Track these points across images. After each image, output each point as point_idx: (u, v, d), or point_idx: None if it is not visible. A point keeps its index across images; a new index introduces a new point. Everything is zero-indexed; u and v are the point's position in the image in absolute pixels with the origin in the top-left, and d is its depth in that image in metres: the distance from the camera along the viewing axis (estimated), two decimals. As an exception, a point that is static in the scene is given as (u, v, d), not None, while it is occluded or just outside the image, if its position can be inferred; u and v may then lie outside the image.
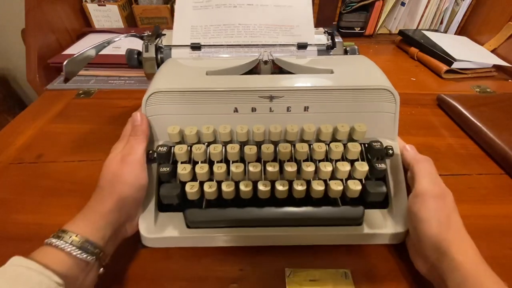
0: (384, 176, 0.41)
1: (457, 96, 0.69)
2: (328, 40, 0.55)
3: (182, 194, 0.39)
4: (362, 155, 0.42)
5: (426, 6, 1.02)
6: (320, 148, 0.39)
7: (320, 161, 0.40)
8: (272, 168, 0.39)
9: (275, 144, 0.41)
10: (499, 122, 0.59)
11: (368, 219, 0.41)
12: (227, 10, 0.52)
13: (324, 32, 0.57)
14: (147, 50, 0.52)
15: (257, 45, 0.53)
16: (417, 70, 0.89)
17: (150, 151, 0.41)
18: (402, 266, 0.40)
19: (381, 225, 0.40)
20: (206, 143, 0.41)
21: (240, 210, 0.39)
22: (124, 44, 0.53)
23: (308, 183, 0.39)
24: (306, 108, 0.41)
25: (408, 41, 0.98)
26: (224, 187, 0.38)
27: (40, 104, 0.72)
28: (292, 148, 0.40)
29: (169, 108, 0.41)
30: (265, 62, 0.47)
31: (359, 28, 1.07)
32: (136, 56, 0.54)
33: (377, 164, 0.39)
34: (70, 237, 0.31)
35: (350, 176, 0.40)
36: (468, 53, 0.86)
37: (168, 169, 0.39)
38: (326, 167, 0.39)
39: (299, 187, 0.38)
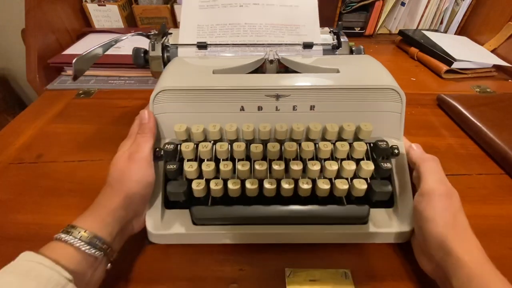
0: (389, 175, 0.41)
1: (457, 96, 0.69)
2: (333, 40, 0.55)
3: (188, 192, 0.39)
4: (367, 154, 0.42)
5: (426, 6, 1.02)
6: (326, 147, 0.39)
7: (325, 160, 0.40)
8: (278, 166, 0.39)
9: (281, 142, 0.41)
10: (499, 122, 0.60)
11: (373, 218, 0.41)
12: (233, 10, 0.53)
13: (330, 32, 0.57)
14: (153, 49, 0.53)
15: (263, 44, 0.53)
16: (417, 70, 0.89)
17: (157, 149, 0.41)
18: (403, 266, 0.40)
19: (386, 224, 0.40)
20: (212, 141, 0.41)
21: (246, 207, 0.40)
22: (124, 44, 0.53)
23: (314, 181, 0.39)
24: (312, 107, 0.41)
25: (408, 41, 0.99)
26: (230, 184, 0.39)
27: (40, 104, 0.72)
28: (298, 147, 0.41)
29: (176, 106, 0.41)
30: (271, 61, 0.47)
31: (359, 28, 1.07)
32: (142, 54, 0.55)
33: (382, 164, 0.39)
34: (79, 232, 0.31)
35: (356, 175, 0.40)
36: (468, 53, 0.86)
37: (174, 166, 0.39)
38: (332, 166, 0.39)
39: (305, 185, 0.38)
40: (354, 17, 1.05)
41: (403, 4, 1.04)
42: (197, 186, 0.38)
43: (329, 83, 0.41)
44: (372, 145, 0.43)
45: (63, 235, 0.31)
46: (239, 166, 0.39)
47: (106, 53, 0.51)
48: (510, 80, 0.83)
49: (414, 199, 0.38)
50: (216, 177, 0.40)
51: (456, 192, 0.36)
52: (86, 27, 0.98)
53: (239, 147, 0.39)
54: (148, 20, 1.01)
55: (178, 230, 0.40)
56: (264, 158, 0.40)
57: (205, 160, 0.40)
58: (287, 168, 0.40)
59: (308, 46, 0.53)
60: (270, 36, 0.53)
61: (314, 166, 0.39)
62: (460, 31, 1.05)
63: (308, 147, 0.39)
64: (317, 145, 0.41)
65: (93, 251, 0.31)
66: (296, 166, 0.39)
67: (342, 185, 0.38)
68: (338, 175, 0.40)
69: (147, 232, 0.40)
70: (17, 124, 0.64)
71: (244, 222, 0.40)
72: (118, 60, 0.78)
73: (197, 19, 0.53)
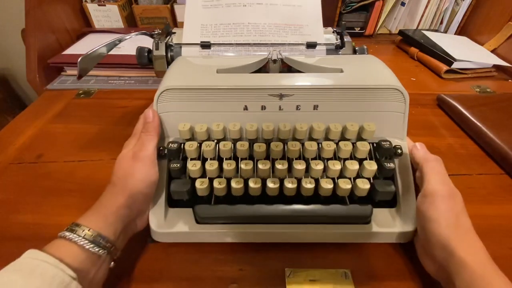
0: (392, 175, 0.41)
1: (457, 96, 0.69)
2: (337, 40, 0.55)
3: (192, 190, 0.39)
4: (370, 154, 0.42)
5: (426, 6, 1.02)
6: (329, 147, 0.39)
7: (328, 159, 0.40)
8: (281, 165, 0.39)
9: (284, 142, 0.41)
10: (499, 122, 0.60)
11: (376, 218, 0.41)
12: (236, 9, 0.53)
13: (333, 32, 0.57)
14: (157, 48, 0.53)
15: (266, 44, 0.53)
16: (417, 70, 0.89)
17: (161, 148, 0.41)
18: (403, 266, 0.40)
19: (389, 224, 0.40)
20: (216, 140, 0.41)
21: (249, 206, 0.40)
22: (124, 44, 0.53)
23: (317, 181, 0.39)
24: (315, 107, 0.41)
25: (408, 41, 0.99)
26: (234, 183, 0.39)
27: (40, 104, 0.72)
28: (301, 146, 0.41)
29: (180, 105, 0.41)
30: (274, 61, 0.47)
31: (359, 28, 1.07)
32: (146, 54, 0.55)
33: (385, 163, 0.40)
34: (83, 230, 0.32)
35: (359, 175, 0.40)
36: (468, 53, 0.87)
37: (178, 165, 0.39)
38: (335, 166, 0.39)
39: (308, 185, 0.38)
40: (354, 17, 1.05)
41: (403, 4, 1.04)
42: (201, 185, 0.38)
43: (332, 83, 0.41)
44: (375, 145, 0.43)
45: (67, 233, 0.31)
46: (242, 165, 0.39)
47: (106, 53, 0.51)
48: (510, 80, 0.83)
49: (417, 200, 0.38)
50: (220, 176, 0.40)
51: (459, 193, 0.36)
52: (86, 27, 0.98)
53: (243, 146, 0.39)
54: (148, 20, 1.01)
55: (181, 229, 0.40)
56: (267, 157, 0.40)
57: (209, 159, 0.40)
58: (290, 168, 0.40)
59: (311, 46, 0.53)
60: (274, 36, 0.53)
61: (317, 166, 0.39)
62: (460, 31, 1.05)
63: (311, 146, 0.39)
64: (320, 144, 0.41)
65: (97, 249, 0.31)
66: (299, 166, 0.39)
67: (345, 184, 0.38)
68: (341, 175, 0.40)
69: (150, 230, 0.40)
70: (17, 124, 0.64)
71: (247, 221, 0.40)
72: (118, 60, 0.78)
73: (200, 19, 0.54)
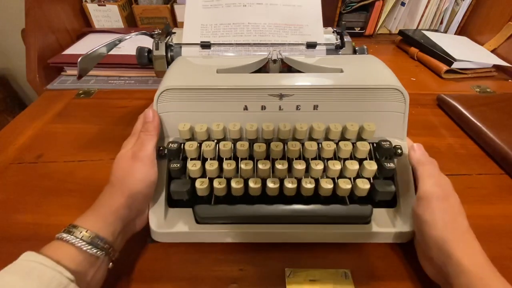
0: (392, 175, 0.41)
1: (457, 96, 0.69)
2: (337, 40, 0.55)
3: (192, 190, 0.39)
4: (370, 154, 0.42)
5: (426, 6, 1.02)
6: (329, 147, 0.40)
7: (329, 159, 0.40)
8: (281, 165, 0.39)
9: (284, 142, 0.41)
10: (499, 122, 0.60)
11: (376, 218, 0.41)
12: (236, 9, 0.53)
13: (333, 32, 0.57)
14: (157, 48, 0.53)
15: (266, 44, 0.53)
16: (417, 70, 0.89)
17: (161, 148, 0.41)
18: (403, 266, 0.40)
19: (389, 224, 0.40)
20: (216, 140, 0.41)
21: (249, 206, 0.40)
22: (124, 44, 0.53)
23: (317, 181, 0.39)
24: (315, 107, 0.41)
25: (408, 41, 0.99)
26: (234, 183, 0.38)
27: (40, 104, 0.72)
28: (301, 146, 0.41)
29: (180, 105, 0.41)
30: (274, 61, 0.47)
31: (359, 28, 1.07)
32: (146, 53, 0.55)
33: (385, 163, 0.40)
34: (81, 232, 0.31)
35: (359, 175, 0.40)
36: (468, 53, 0.87)
37: (178, 165, 0.39)
38: (335, 166, 0.39)
39: (308, 185, 0.38)
40: (354, 17, 1.05)
41: (403, 4, 1.04)
42: (201, 185, 0.38)
43: (332, 83, 0.41)
44: (375, 145, 0.43)
45: (64, 235, 0.31)
46: (242, 165, 0.39)
47: (105, 53, 0.51)
48: (510, 80, 0.83)
49: (413, 204, 0.38)
50: (220, 176, 0.40)
51: (456, 194, 0.36)
52: (86, 27, 0.98)
53: (243, 146, 0.39)
54: (148, 20, 1.01)
55: (181, 229, 0.40)
56: (267, 157, 0.40)
57: (209, 159, 0.40)
58: (290, 168, 0.40)
59: (311, 46, 0.53)
60: (274, 36, 0.53)
61: (317, 166, 0.39)
62: (460, 31, 1.05)
63: (311, 146, 0.39)
64: (320, 144, 0.41)
65: (95, 251, 0.31)
66: (299, 166, 0.39)
67: (345, 184, 0.38)
68: (341, 175, 0.40)
69: (150, 230, 0.40)
70: (17, 124, 0.64)
71: (247, 221, 0.40)
72: (118, 60, 0.78)
73: (200, 19, 0.54)
